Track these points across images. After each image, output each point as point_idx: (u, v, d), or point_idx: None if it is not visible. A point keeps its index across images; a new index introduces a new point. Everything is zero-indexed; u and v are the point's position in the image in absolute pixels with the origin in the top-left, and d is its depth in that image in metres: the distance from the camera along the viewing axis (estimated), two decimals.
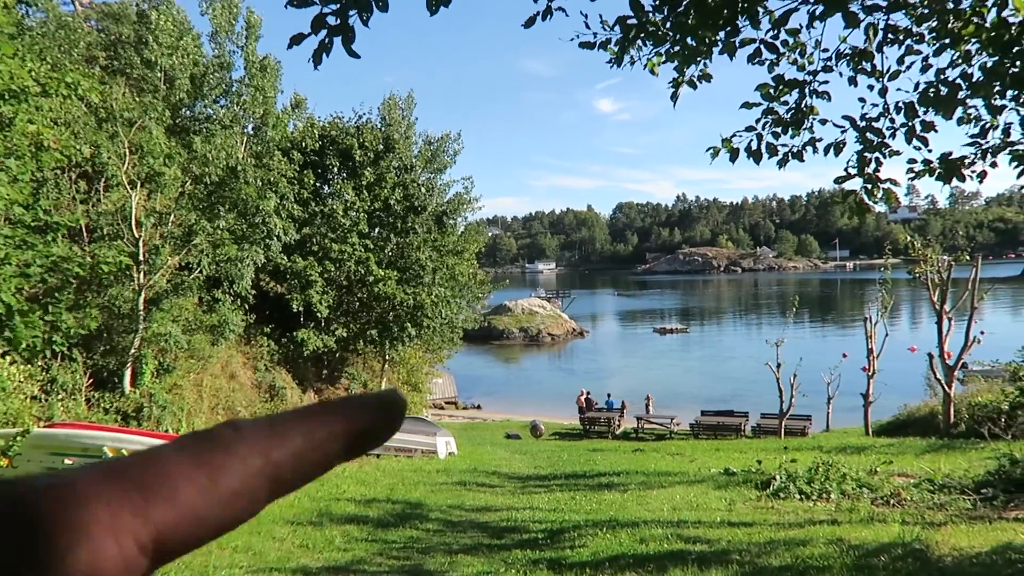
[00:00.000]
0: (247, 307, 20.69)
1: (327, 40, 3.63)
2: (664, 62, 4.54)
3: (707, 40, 4.20)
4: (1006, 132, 4.72)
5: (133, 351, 15.87)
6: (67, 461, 10.90)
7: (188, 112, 22.87)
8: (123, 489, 0.24)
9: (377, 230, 26.79)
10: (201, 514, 0.24)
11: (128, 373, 15.95)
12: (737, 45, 4.27)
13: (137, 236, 15.66)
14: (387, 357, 27.69)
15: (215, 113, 22.79)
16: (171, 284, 16.65)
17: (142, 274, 15.74)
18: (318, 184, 25.95)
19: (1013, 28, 3.98)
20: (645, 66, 4.58)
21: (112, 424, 14.32)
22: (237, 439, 0.26)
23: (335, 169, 26.58)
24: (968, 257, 22.22)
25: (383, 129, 27.17)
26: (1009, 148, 4.69)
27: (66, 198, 15.46)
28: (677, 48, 4.36)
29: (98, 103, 15.62)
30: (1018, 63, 3.98)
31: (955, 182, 4.69)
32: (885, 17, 4.39)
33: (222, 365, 20.24)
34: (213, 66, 22.83)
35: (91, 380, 15.59)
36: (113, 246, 14.61)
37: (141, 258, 15.65)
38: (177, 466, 0.25)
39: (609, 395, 31.86)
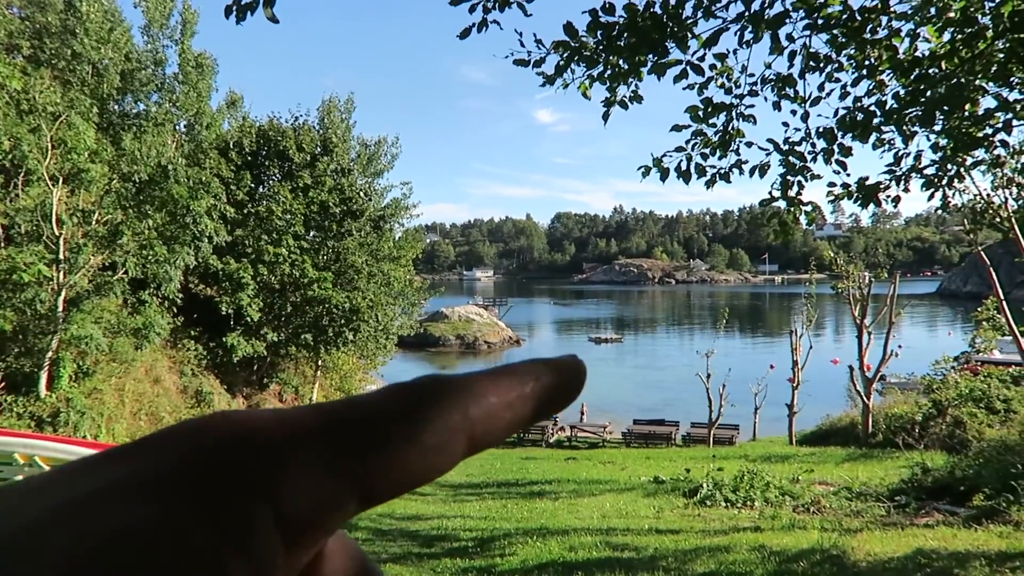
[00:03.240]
0: (175, 310, 20.06)
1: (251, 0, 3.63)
2: (595, 83, 4.64)
3: (637, 61, 4.31)
4: (917, 158, 5.01)
5: (50, 353, 15.19)
6: None
7: (118, 107, 22.11)
8: (341, 432, 0.25)
9: (313, 233, 26.38)
10: (406, 463, 0.26)
11: (44, 376, 15.26)
12: (665, 65, 4.41)
13: (58, 234, 15.03)
14: (320, 363, 27.24)
15: (147, 109, 22.11)
16: (93, 284, 16.01)
17: (62, 273, 15.10)
18: (253, 185, 25.41)
19: (924, 60, 4.22)
20: (578, 88, 4.67)
21: (25, 430, 13.68)
22: (440, 393, 0.27)
23: (272, 170, 26.09)
24: (887, 274, 23.23)
25: (321, 131, 26.82)
26: (920, 173, 4.97)
27: None
28: (609, 71, 4.47)
29: (20, 94, 14.96)
30: (928, 92, 4.22)
31: (872, 206, 4.94)
32: (808, 36, 4.58)
33: (146, 369, 19.55)
34: (146, 61, 22.15)
35: (3, 383, 14.85)
36: (33, 251, 13.98)
37: (61, 257, 15.02)
38: (388, 415, 0.26)
39: None
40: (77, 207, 15.85)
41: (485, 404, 0.28)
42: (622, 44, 4.15)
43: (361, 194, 27.04)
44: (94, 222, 15.92)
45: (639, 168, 5.04)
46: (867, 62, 4.51)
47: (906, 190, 5.01)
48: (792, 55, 4.55)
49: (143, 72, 22.00)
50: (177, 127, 23.81)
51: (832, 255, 23.17)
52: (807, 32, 4.46)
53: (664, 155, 5.01)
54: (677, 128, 4.92)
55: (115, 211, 16.49)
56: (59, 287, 15.06)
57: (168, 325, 19.12)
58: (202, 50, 24.04)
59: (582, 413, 31.94)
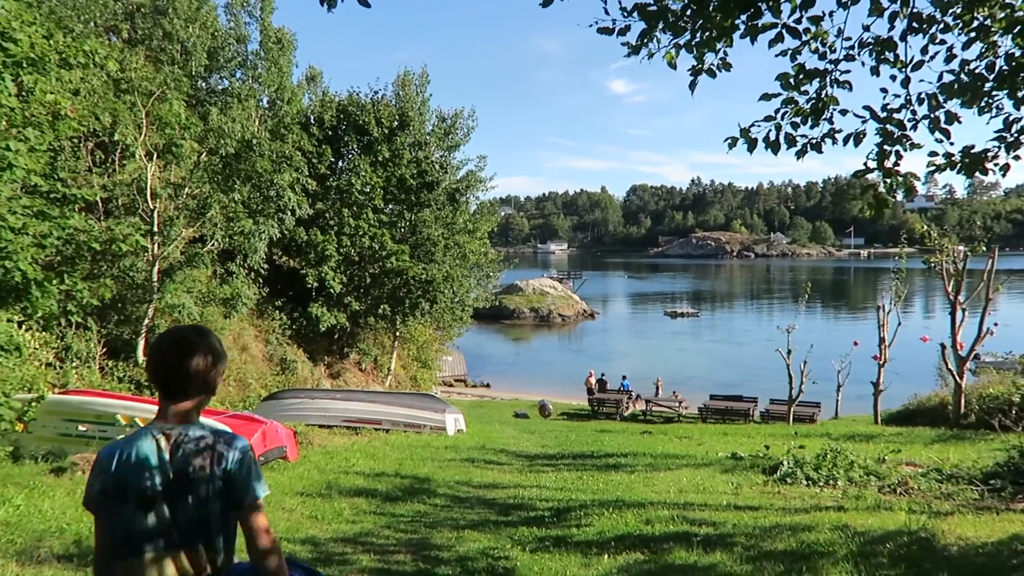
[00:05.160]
0: (260, 281, 20.79)
1: None
2: (681, 51, 4.49)
3: (727, 25, 4.15)
4: None
5: (147, 321, 16.00)
6: (80, 427, 11.07)
7: (204, 84, 22.87)
8: None
9: (391, 206, 26.81)
10: None
11: (142, 342, 16.10)
12: (759, 28, 4.22)
13: (152, 207, 15.73)
14: (398, 333, 27.82)
15: (231, 85, 22.79)
16: (185, 256, 16.73)
17: (156, 245, 15.82)
18: (333, 159, 25.96)
19: None
20: (663, 57, 4.54)
21: (125, 392, 14.50)
22: None
23: (352, 144, 26.58)
24: (985, 248, 22.00)
25: (398, 105, 27.10)
26: None
27: (82, 168, 15.52)
28: (697, 38, 4.31)
29: (117, 73, 15.61)
30: None
31: (967, 178, 4.65)
32: (910, 2, 4.32)
33: (234, 337, 20.40)
34: (229, 38, 22.79)
35: (105, 349, 15.73)
36: (130, 223, 14.67)
37: (155, 229, 15.73)
38: None
39: (624, 377, 31.99)
40: (169, 181, 16.54)
41: None
42: (711, 9, 4.00)
43: (437, 167, 27.28)
44: (184, 195, 16.58)
45: (725, 140, 4.87)
46: (976, 21, 4.22)
47: (1017, 158, 4.69)
48: (893, 16, 4.30)
49: (227, 49, 22.66)
50: (260, 102, 24.46)
51: (924, 228, 22.07)
52: None
53: (752, 125, 4.83)
54: (767, 97, 4.73)
55: (203, 185, 17.13)
56: (154, 258, 15.79)
57: (254, 296, 19.85)
58: (281, 25, 24.58)
59: (657, 387, 31.68)
